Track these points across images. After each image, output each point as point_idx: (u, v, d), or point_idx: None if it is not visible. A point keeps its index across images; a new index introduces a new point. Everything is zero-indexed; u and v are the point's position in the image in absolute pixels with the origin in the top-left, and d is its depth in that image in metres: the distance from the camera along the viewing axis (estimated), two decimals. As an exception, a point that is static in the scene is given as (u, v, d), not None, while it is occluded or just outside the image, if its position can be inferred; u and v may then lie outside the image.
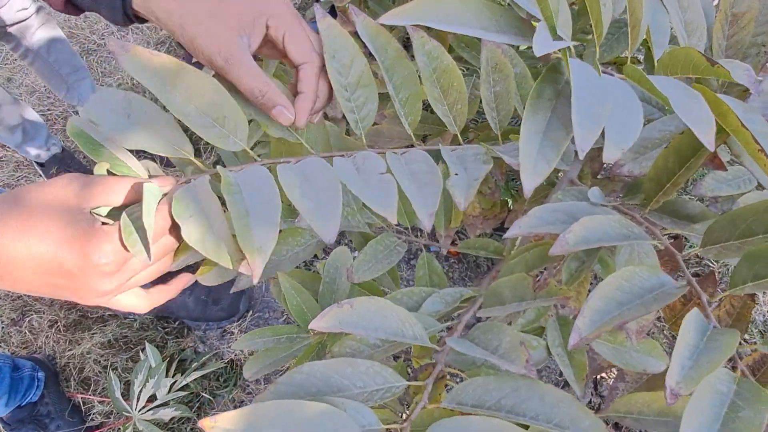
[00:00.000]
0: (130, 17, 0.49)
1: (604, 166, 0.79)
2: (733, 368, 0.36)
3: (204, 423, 0.36)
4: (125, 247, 0.39)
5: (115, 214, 0.41)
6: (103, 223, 0.40)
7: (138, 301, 0.45)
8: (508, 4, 0.45)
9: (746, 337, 1.20)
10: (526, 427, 0.36)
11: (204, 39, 0.44)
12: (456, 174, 0.44)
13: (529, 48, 0.41)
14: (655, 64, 0.44)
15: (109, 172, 0.43)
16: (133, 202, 0.41)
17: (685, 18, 0.47)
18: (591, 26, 0.42)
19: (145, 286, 0.46)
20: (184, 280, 0.49)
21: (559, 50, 0.41)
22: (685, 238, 0.64)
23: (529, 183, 0.39)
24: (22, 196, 0.38)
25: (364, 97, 0.50)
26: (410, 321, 0.45)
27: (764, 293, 1.27)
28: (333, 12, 1.17)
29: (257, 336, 0.72)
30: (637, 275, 0.37)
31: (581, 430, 0.33)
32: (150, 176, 0.44)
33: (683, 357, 0.31)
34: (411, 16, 0.42)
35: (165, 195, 0.41)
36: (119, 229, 0.39)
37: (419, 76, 0.51)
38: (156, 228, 0.39)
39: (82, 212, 0.38)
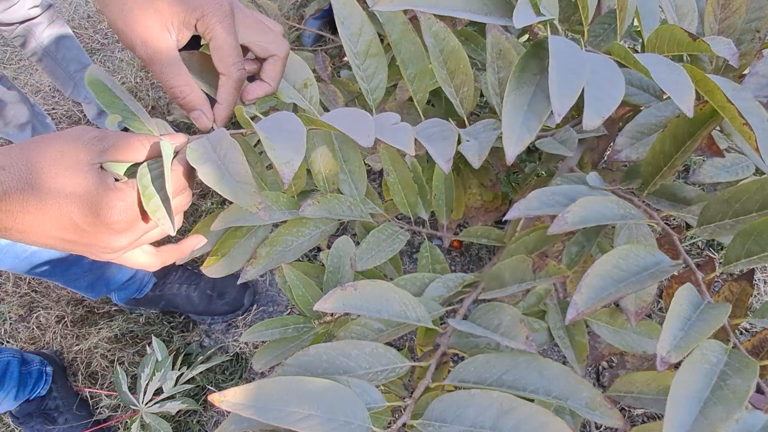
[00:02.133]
0: None
1: (604, 157, 0.80)
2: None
3: (213, 397, 0.37)
4: (143, 213, 0.39)
5: (129, 171, 0.41)
6: (116, 179, 0.39)
7: (148, 259, 0.45)
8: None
9: (746, 326, 1.20)
10: (532, 400, 0.37)
11: (127, 24, 0.41)
12: (468, 141, 0.45)
13: (530, 39, 0.42)
14: (645, 45, 0.45)
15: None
16: (151, 159, 0.41)
17: (676, 1, 0.48)
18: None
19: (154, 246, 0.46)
20: (194, 241, 0.48)
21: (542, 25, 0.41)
22: (686, 225, 0.64)
23: (512, 151, 0.39)
24: (29, 149, 0.36)
25: (374, 66, 0.51)
26: (413, 304, 0.46)
27: (765, 282, 1.27)
28: None
29: (264, 327, 0.73)
30: (633, 253, 0.37)
31: (581, 400, 0.34)
32: (161, 134, 0.43)
33: (675, 328, 0.32)
34: (403, 0, 0.43)
35: (176, 154, 0.41)
36: (135, 189, 0.38)
37: (428, 57, 0.52)
38: (171, 189, 0.39)
39: (93, 167, 0.37)
